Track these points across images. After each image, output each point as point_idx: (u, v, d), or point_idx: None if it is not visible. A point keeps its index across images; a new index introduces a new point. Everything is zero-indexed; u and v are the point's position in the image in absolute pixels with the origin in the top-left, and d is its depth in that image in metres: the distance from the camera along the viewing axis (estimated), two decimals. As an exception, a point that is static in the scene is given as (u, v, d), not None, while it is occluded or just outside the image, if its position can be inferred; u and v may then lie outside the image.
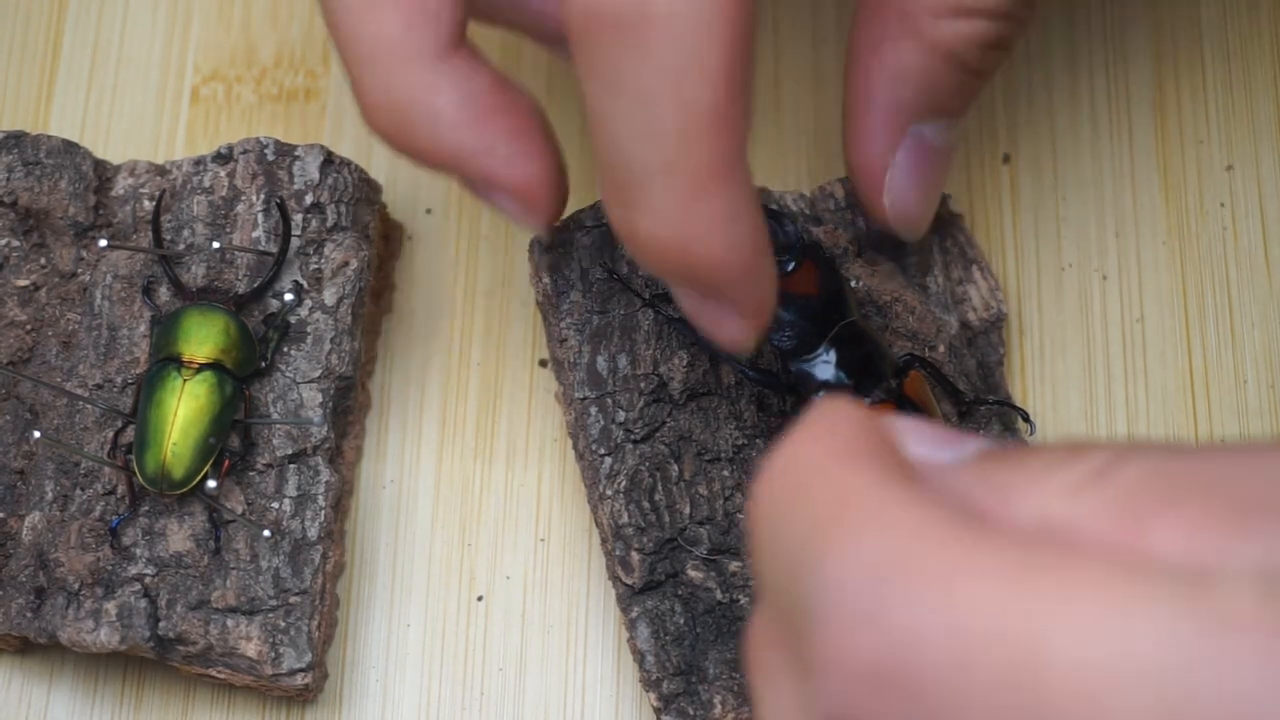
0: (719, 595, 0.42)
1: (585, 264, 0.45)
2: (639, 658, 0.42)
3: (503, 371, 0.49)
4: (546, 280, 0.45)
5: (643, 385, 0.44)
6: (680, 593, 0.42)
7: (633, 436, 0.43)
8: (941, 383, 0.44)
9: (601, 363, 0.44)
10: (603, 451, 0.43)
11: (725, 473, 0.43)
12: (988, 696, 0.23)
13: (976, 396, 0.45)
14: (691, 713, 0.41)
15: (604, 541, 0.44)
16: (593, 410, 0.44)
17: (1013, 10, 0.40)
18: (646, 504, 0.43)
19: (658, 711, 0.42)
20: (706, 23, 0.33)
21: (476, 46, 0.39)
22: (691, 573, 0.42)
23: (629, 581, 0.42)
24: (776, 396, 0.44)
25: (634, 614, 0.42)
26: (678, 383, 0.44)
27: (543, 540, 0.47)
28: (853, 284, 0.44)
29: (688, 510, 0.43)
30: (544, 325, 0.46)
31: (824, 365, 0.42)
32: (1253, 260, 0.50)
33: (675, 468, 0.43)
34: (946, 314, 0.46)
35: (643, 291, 0.44)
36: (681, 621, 0.42)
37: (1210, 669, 0.22)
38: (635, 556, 0.42)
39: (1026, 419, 0.45)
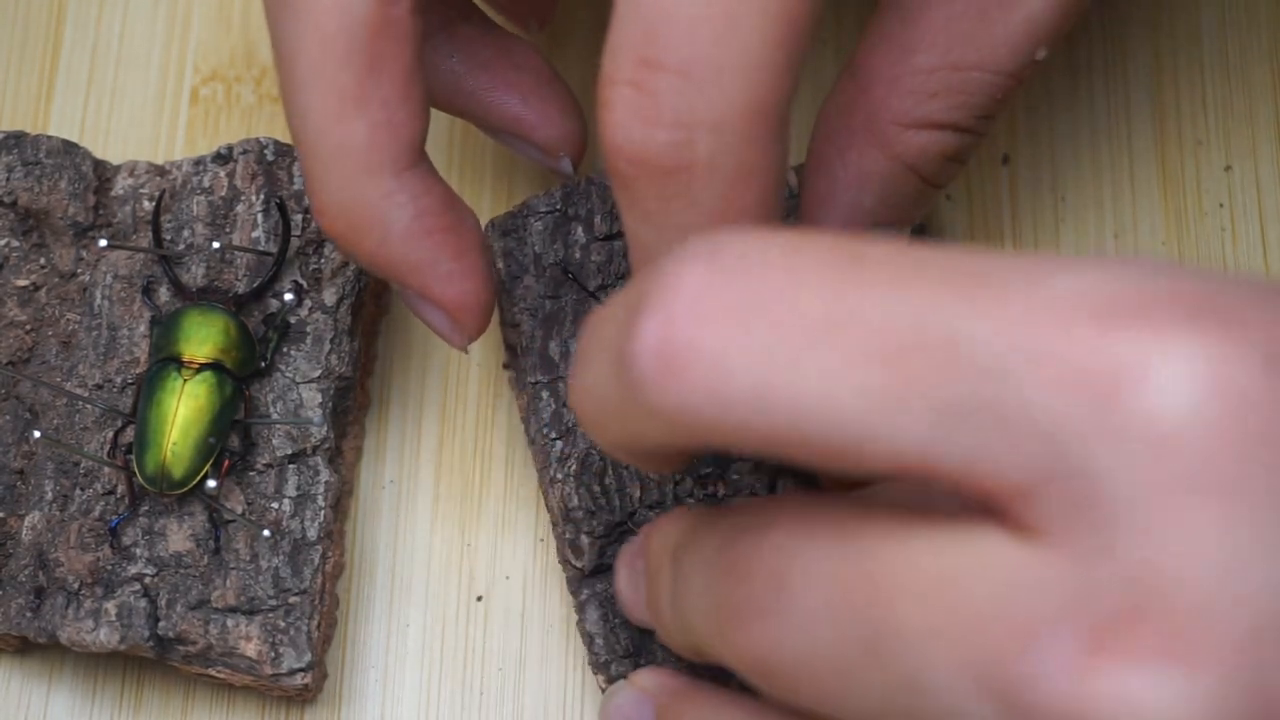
0: None
1: (539, 249, 0.45)
2: (588, 640, 0.43)
3: (502, 371, 0.49)
4: (500, 265, 0.45)
5: None
6: None
7: None
8: None
9: (554, 347, 0.44)
10: (554, 435, 0.44)
11: None
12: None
13: None
14: None
15: (554, 525, 0.44)
16: (544, 394, 0.44)
17: (974, 126, 0.41)
18: (597, 488, 0.43)
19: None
20: (744, 171, 0.35)
21: (430, 162, 0.40)
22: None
23: (579, 565, 0.43)
24: None
25: (583, 597, 0.43)
26: None
27: (542, 540, 0.47)
28: None
29: (637, 494, 0.43)
30: (498, 310, 0.46)
31: None
32: (1251, 261, 0.50)
33: None
34: None
35: (588, 283, 0.45)
36: None
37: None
38: (585, 540, 0.43)
39: None
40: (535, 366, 0.45)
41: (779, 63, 0.35)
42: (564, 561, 0.44)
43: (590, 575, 0.43)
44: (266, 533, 0.43)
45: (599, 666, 0.42)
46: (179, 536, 0.43)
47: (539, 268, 0.45)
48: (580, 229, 0.45)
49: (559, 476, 0.43)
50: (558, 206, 0.46)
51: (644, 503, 0.43)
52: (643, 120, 0.34)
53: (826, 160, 0.42)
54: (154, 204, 0.46)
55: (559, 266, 0.45)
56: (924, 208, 0.44)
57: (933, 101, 0.41)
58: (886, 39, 0.41)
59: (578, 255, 0.45)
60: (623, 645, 0.42)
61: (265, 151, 0.47)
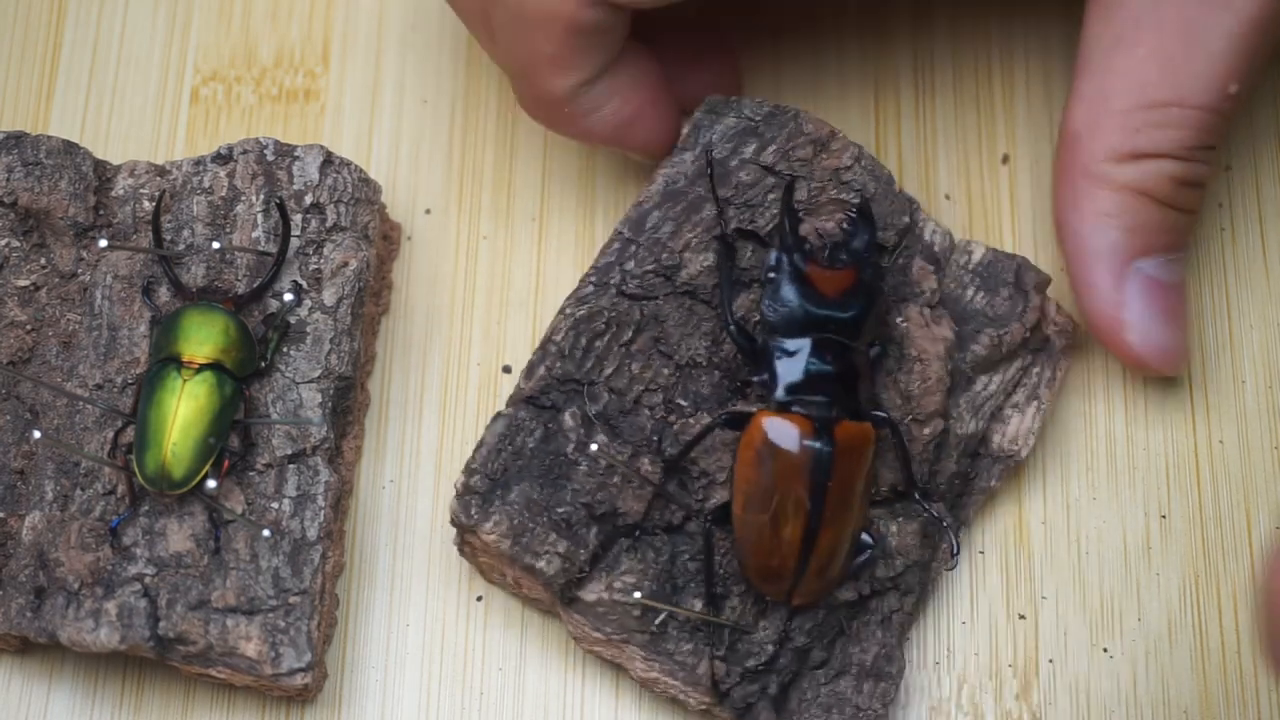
0: (569, 450, 0.43)
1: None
2: (478, 445, 0.43)
3: (501, 371, 0.49)
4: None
5: (663, 256, 0.45)
6: (547, 424, 0.43)
7: (624, 290, 0.45)
8: (902, 458, 0.43)
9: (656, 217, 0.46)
10: (591, 281, 0.45)
11: (665, 372, 0.44)
12: None
13: (923, 493, 0.44)
14: (473, 514, 0.43)
15: (534, 351, 0.45)
16: (616, 251, 0.45)
17: (1188, 155, 0.44)
18: (584, 340, 0.44)
19: (460, 493, 0.43)
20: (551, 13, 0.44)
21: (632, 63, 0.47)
22: (567, 418, 0.43)
23: (523, 385, 0.44)
24: (745, 364, 0.44)
25: (501, 412, 0.44)
26: (695, 268, 0.45)
27: (542, 540, 0.47)
28: (898, 320, 0.44)
29: (608, 371, 0.44)
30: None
31: (789, 357, 0.42)
32: (1251, 261, 0.50)
33: (629, 332, 0.44)
34: (970, 415, 0.45)
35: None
36: (528, 443, 0.43)
37: None
38: (540, 371, 0.44)
39: (954, 553, 0.44)
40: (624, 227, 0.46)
41: None
42: (512, 372, 0.47)
43: (523, 401, 0.44)
44: (266, 533, 0.43)
45: (466, 468, 0.43)
46: (179, 536, 0.43)
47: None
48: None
49: (567, 310, 0.45)
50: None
51: (607, 383, 0.44)
52: None
53: (1064, 219, 0.45)
54: (154, 204, 0.46)
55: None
56: (1179, 235, 0.46)
57: (1138, 136, 0.44)
58: (1083, 100, 0.45)
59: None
60: (495, 466, 0.43)
61: (265, 151, 0.47)
